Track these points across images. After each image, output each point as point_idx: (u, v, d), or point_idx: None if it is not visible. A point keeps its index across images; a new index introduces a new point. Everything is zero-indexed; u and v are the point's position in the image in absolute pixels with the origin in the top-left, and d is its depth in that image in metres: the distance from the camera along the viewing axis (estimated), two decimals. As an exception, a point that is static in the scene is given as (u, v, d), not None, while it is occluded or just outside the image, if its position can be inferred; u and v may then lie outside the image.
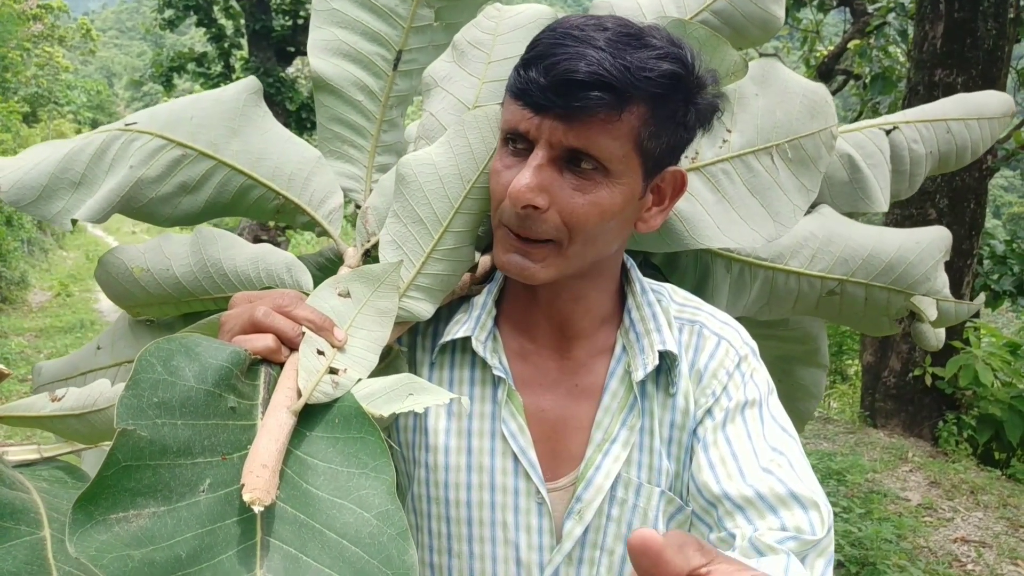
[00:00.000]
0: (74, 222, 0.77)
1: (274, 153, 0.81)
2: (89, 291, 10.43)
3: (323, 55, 0.83)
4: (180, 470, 0.47)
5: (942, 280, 0.97)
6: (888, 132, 0.98)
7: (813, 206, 0.94)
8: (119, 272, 0.80)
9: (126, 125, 0.79)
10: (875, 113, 6.71)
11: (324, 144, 0.85)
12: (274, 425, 0.52)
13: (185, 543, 0.45)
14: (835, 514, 3.44)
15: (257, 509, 0.46)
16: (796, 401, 1.08)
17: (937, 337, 1.04)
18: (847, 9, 6.99)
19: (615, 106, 0.62)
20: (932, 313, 0.96)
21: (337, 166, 0.84)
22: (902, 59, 6.59)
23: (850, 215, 0.97)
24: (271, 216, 0.83)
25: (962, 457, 4.38)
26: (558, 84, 0.62)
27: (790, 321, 1.02)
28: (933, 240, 0.95)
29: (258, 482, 0.47)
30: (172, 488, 0.47)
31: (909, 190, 1.02)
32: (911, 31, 5.25)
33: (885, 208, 0.96)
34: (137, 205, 0.78)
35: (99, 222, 0.78)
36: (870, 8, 6.67)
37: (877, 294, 0.94)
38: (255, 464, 0.48)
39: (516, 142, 0.67)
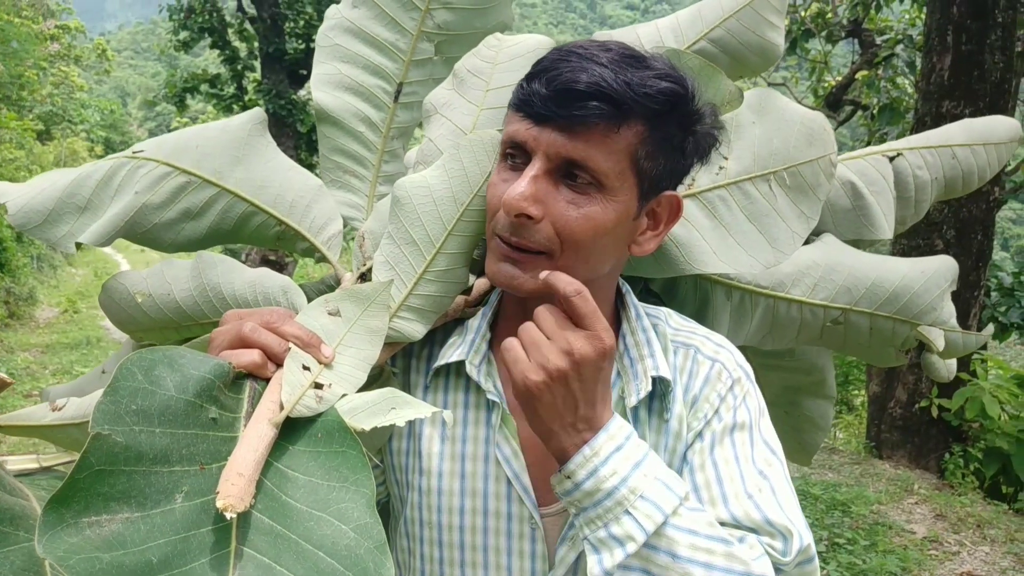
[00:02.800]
0: (79, 246, 0.78)
1: (276, 181, 0.82)
2: (96, 308, 10.49)
3: (326, 88, 0.85)
4: (156, 477, 0.48)
5: (948, 310, 0.96)
6: (892, 159, 0.98)
7: (816, 234, 0.94)
8: (122, 297, 0.80)
9: (133, 153, 0.81)
10: (883, 143, 6.72)
11: (326, 174, 0.86)
12: (254, 436, 0.52)
13: (157, 549, 0.45)
14: (839, 545, 3.43)
15: (229, 515, 0.46)
16: (803, 433, 1.07)
17: (948, 368, 1.03)
18: (855, 40, 7.07)
19: (613, 119, 0.63)
20: (940, 344, 0.95)
21: (339, 195, 0.85)
22: (910, 90, 6.63)
23: (856, 243, 0.96)
24: (272, 243, 0.84)
25: (968, 490, 4.31)
26: (559, 94, 0.63)
27: (796, 352, 1.00)
28: (938, 269, 0.94)
29: (232, 490, 0.47)
30: (147, 495, 0.47)
31: (915, 216, 1.01)
32: (919, 63, 5.28)
33: (889, 235, 0.96)
34: (141, 230, 0.79)
35: (102, 246, 0.80)
36: (878, 40, 6.74)
37: (882, 324, 0.93)
38: (231, 472, 0.48)
39: (515, 156, 0.68)
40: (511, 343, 0.64)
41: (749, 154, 0.84)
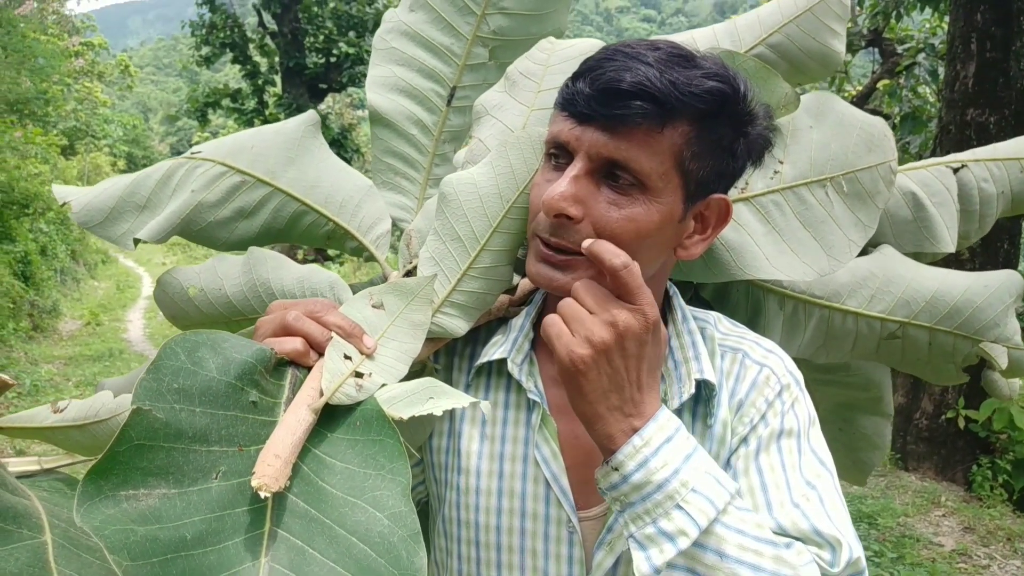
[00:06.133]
0: (137, 243, 0.79)
1: (327, 181, 0.83)
2: (119, 320, 10.60)
3: (380, 90, 0.86)
4: (195, 456, 0.48)
5: (1012, 327, 0.91)
6: (956, 170, 0.95)
7: (875, 246, 0.91)
8: (175, 292, 0.82)
9: (191, 154, 0.83)
10: (905, 153, 6.65)
11: (377, 176, 0.87)
12: (292, 421, 0.52)
13: (192, 526, 0.45)
14: (866, 559, 3.33)
15: (263, 494, 0.46)
16: (858, 452, 1.03)
17: (1010, 387, 0.99)
18: (876, 50, 7.02)
19: (657, 118, 0.62)
20: (1003, 361, 0.91)
21: (389, 197, 0.86)
22: (932, 99, 6.55)
23: (916, 257, 0.93)
24: (322, 242, 0.84)
25: (997, 503, 4.17)
26: (602, 93, 0.62)
27: (851, 366, 0.97)
28: (1003, 284, 0.90)
29: (268, 470, 0.47)
30: (185, 472, 0.47)
31: (980, 231, 0.97)
32: (941, 71, 5.23)
33: (952, 249, 0.92)
34: (196, 228, 0.80)
35: (159, 242, 0.81)
36: (899, 49, 6.69)
37: (942, 339, 0.89)
38: (268, 454, 0.49)
39: (558, 157, 0.67)
40: (553, 319, 0.62)
41: (805, 159, 0.82)
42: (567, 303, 0.62)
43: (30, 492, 0.54)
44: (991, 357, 0.91)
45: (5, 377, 0.56)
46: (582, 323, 0.60)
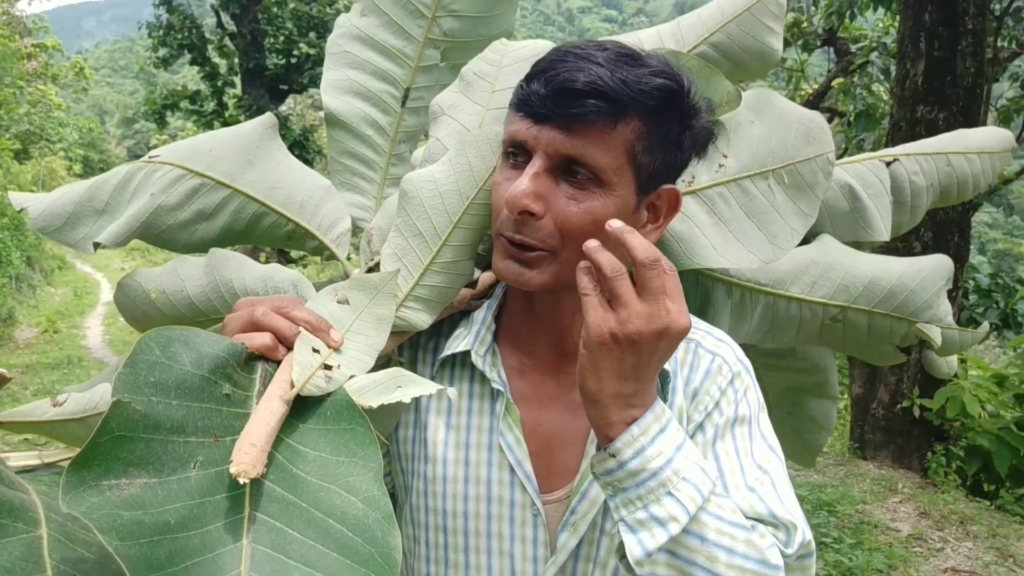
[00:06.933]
0: (97, 246, 0.79)
1: (286, 182, 0.84)
2: (76, 327, 10.29)
3: (335, 93, 0.87)
4: (173, 446, 0.49)
5: (944, 308, 0.97)
6: (888, 164, 1.00)
7: (815, 235, 0.96)
8: (136, 295, 0.82)
9: (149, 158, 0.83)
10: (860, 150, 6.86)
11: (336, 176, 0.88)
12: (265, 412, 0.54)
13: (175, 511, 0.46)
14: (826, 544, 3.46)
15: (242, 481, 0.48)
16: (806, 434, 1.08)
17: (949, 365, 1.05)
18: (831, 49, 7.22)
19: (610, 116, 0.65)
20: (938, 340, 0.96)
21: (348, 197, 0.88)
22: (885, 97, 6.74)
23: (853, 246, 0.98)
24: (283, 242, 0.86)
25: (951, 488, 4.34)
26: (557, 93, 0.65)
27: (798, 351, 1.02)
28: (935, 268, 0.96)
29: (245, 458, 0.49)
30: (164, 462, 0.48)
31: (911, 222, 1.03)
32: (893, 69, 5.41)
33: (886, 237, 0.97)
34: (156, 231, 0.81)
35: (119, 246, 0.81)
36: (853, 48, 6.88)
37: (880, 321, 0.95)
38: (244, 443, 0.50)
39: (517, 155, 0.70)
40: (591, 286, 0.60)
41: (748, 152, 0.86)
42: (622, 277, 0.59)
43: (29, 486, 0.54)
44: (928, 337, 0.96)
45: (3, 371, 0.57)
46: (630, 304, 0.58)
